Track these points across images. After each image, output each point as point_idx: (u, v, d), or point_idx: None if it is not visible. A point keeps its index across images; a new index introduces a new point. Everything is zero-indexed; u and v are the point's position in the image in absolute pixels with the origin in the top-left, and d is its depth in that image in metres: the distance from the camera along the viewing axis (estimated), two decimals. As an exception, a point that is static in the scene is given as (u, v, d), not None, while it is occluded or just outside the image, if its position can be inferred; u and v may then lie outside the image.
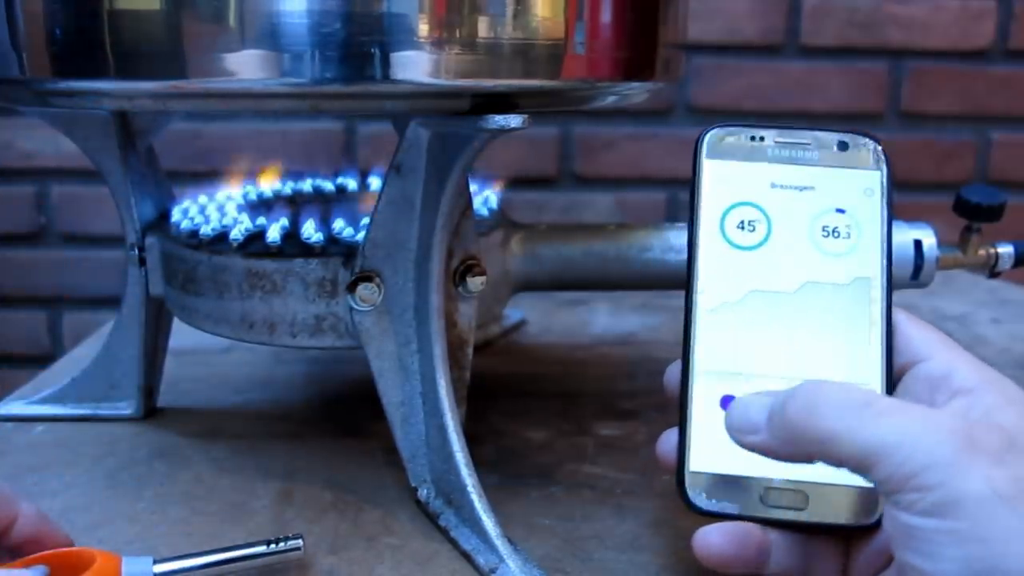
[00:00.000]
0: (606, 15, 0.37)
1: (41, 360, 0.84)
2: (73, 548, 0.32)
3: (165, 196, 0.50)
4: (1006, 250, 0.47)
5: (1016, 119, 0.98)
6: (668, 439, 0.32)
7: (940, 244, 0.45)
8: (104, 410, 0.50)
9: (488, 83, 0.35)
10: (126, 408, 0.50)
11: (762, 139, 0.33)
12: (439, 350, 0.39)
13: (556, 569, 0.36)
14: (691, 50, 0.92)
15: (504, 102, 0.36)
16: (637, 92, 0.43)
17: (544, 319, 0.73)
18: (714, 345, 0.32)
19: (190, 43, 0.33)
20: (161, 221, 0.48)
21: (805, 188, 0.33)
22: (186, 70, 0.33)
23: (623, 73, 0.39)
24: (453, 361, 0.41)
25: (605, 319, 0.73)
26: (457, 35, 0.33)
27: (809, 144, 0.33)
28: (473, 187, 0.45)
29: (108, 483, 0.43)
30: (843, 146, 0.33)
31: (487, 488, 0.37)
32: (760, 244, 0.33)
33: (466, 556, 0.36)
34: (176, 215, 0.47)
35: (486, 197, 0.50)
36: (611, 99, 0.43)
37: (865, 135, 0.33)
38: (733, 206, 0.33)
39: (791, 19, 0.94)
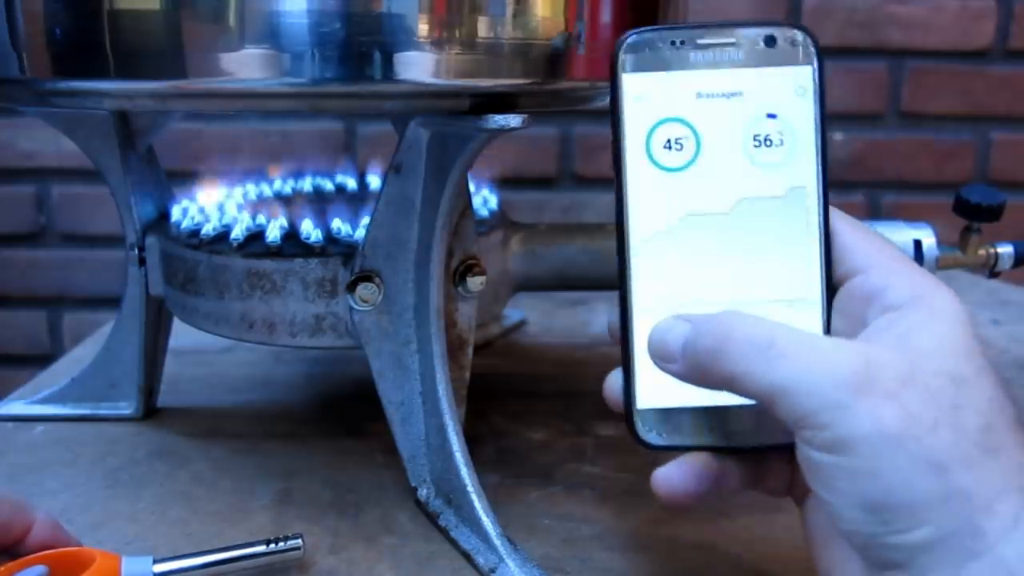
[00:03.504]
0: (606, 15, 0.37)
1: (41, 360, 0.84)
2: (73, 548, 0.32)
3: (165, 196, 0.50)
4: (1006, 250, 0.47)
5: (1016, 119, 0.98)
6: (614, 380, 0.32)
7: (940, 244, 0.45)
8: (104, 410, 0.50)
9: (488, 83, 0.35)
10: (126, 408, 0.50)
11: (683, 43, 0.30)
12: (439, 350, 0.39)
13: (556, 569, 0.36)
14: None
15: (504, 102, 0.36)
16: (637, 92, 0.43)
17: (544, 319, 0.73)
18: (651, 277, 0.31)
19: (190, 43, 0.33)
20: (161, 221, 0.48)
21: (733, 95, 0.30)
22: (186, 70, 0.33)
23: (623, 73, 0.39)
24: (453, 361, 0.41)
25: (605, 319, 0.73)
26: (457, 35, 0.33)
27: (734, 43, 0.30)
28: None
29: (108, 483, 0.43)
30: (770, 41, 0.30)
31: (487, 488, 0.37)
32: (690, 163, 0.31)
33: (466, 556, 0.36)
34: (176, 215, 0.47)
35: (486, 197, 0.50)
36: (611, 99, 0.43)
37: (794, 26, 0.31)
38: (658, 124, 0.30)
39: (791, 19, 0.94)
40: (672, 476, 0.30)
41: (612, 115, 0.31)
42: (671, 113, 0.31)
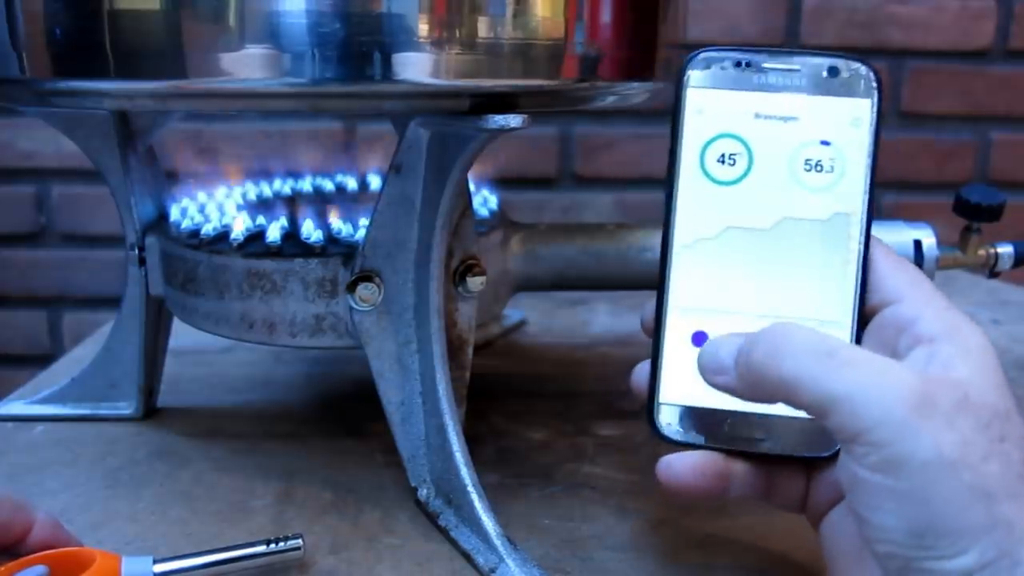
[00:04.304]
0: (606, 15, 0.37)
1: (41, 360, 0.84)
2: (73, 548, 0.32)
3: (165, 196, 0.50)
4: (1006, 250, 0.47)
5: (1016, 119, 0.98)
6: (642, 369, 0.33)
7: (940, 244, 0.45)
8: (104, 410, 0.50)
9: (488, 83, 0.35)
10: (126, 408, 0.50)
11: (748, 65, 0.32)
12: (439, 350, 0.39)
13: (556, 569, 0.36)
14: (691, 50, 0.92)
15: (504, 102, 0.36)
16: (637, 92, 0.43)
17: (544, 319, 0.73)
18: (688, 281, 0.32)
19: (190, 43, 0.33)
20: (161, 221, 0.48)
21: (790, 119, 0.32)
22: (186, 70, 0.33)
23: (623, 73, 0.39)
24: (453, 361, 0.41)
25: (605, 319, 0.73)
26: (457, 35, 0.33)
27: (798, 70, 0.32)
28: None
29: (108, 483, 0.43)
30: (833, 72, 0.31)
31: (487, 488, 0.37)
32: (740, 179, 0.32)
33: (466, 556, 0.36)
34: (176, 215, 0.47)
35: (486, 197, 0.50)
36: (611, 99, 0.43)
37: (858, 60, 0.31)
38: (714, 138, 0.32)
39: (791, 19, 0.94)
40: (674, 465, 0.31)
41: (672, 125, 0.32)
42: (728, 129, 0.32)
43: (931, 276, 0.45)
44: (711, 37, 0.94)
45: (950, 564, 0.24)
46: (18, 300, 0.98)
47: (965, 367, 0.26)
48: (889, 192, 0.98)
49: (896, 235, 0.44)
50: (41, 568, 0.30)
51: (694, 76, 0.32)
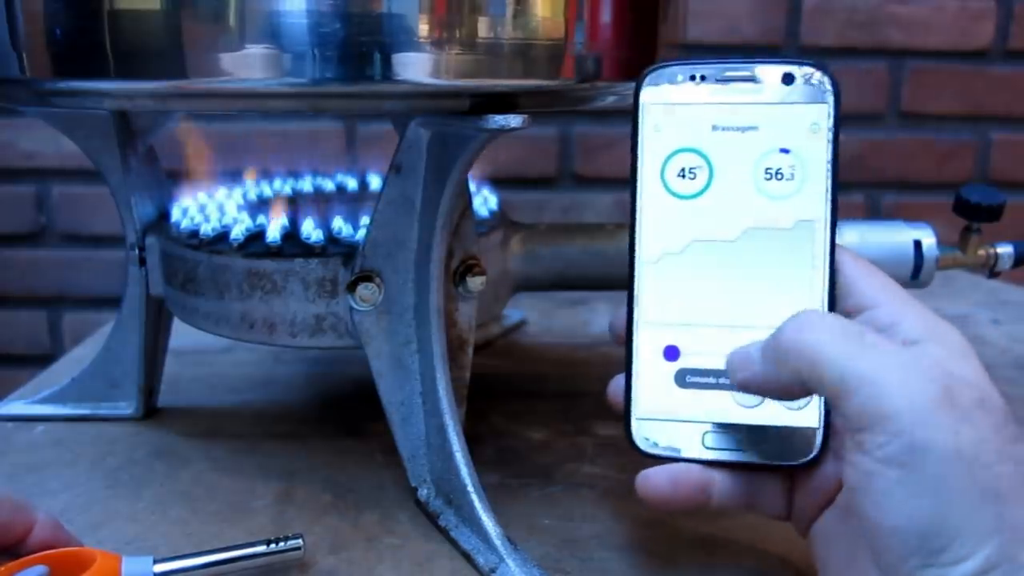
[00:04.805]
0: (606, 15, 0.37)
1: (41, 360, 0.84)
2: (73, 548, 0.32)
3: (165, 196, 0.50)
4: (1006, 250, 0.47)
5: (1016, 119, 0.98)
6: (618, 383, 0.33)
7: (940, 244, 0.45)
8: (104, 410, 0.50)
9: (488, 83, 0.35)
10: (126, 408, 0.50)
11: (703, 78, 0.32)
12: (439, 350, 0.39)
13: (556, 569, 0.36)
14: (691, 50, 0.92)
15: (504, 102, 0.36)
16: (637, 92, 0.43)
17: (544, 319, 0.73)
18: (657, 297, 0.32)
19: (190, 43, 0.33)
20: (161, 221, 0.48)
21: (748, 128, 0.32)
22: (186, 70, 0.33)
23: (623, 73, 0.39)
24: (453, 361, 0.41)
25: (605, 319, 0.73)
26: (457, 35, 0.33)
27: (752, 79, 0.31)
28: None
29: (108, 483, 0.43)
30: (788, 79, 0.31)
31: (487, 488, 0.37)
32: (701, 192, 0.32)
33: (466, 556, 0.36)
34: (176, 215, 0.47)
35: (486, 197, 0.50)
36: (611, 99, 0.43)
37: (813, 64, 0.31)
38: (673, 153, 0.32)
39: (791, 19, 0.94)
40: (652, 478, 0.31)
41: (631, 142, 0.32)
42: (687, 143, 0.32)
43: (931, 276, 0.45)
44: (711, 37, 0.94)
45: (955, 570, 0.23)
46: (18, 300, 0.98)
47: (964, 367, 0.26)
48: (889, 192, 0.98)
49: (896, 235, 0.44)
50: (41, 568, 0.30)
51: (649, 93, 0.32)
